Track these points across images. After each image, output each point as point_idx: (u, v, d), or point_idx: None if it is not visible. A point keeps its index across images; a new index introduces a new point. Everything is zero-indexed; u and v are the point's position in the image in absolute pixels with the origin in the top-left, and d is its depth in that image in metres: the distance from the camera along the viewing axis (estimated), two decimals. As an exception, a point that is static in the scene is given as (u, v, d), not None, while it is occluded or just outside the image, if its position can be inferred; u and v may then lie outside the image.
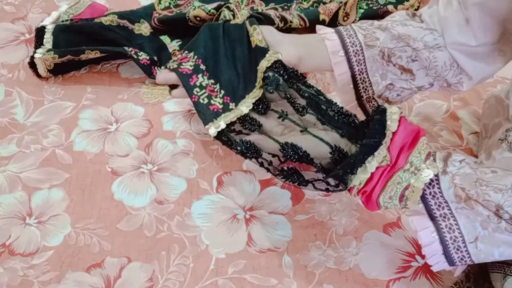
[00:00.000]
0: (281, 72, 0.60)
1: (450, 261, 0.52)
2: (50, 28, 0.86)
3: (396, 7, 0.97)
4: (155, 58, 0.85)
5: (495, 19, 0.59)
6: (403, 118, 0.54)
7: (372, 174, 0.52)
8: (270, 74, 0.60)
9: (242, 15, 0.78)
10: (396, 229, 0.67)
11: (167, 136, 0.77)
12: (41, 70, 0.83)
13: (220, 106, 0.64)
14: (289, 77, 0.60)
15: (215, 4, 0.90)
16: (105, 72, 0.86)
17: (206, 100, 0.65)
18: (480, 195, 0.50)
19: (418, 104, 0.83)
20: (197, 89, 0.66)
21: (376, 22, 0.66)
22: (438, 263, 0.54)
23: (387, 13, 0.97)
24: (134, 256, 0.64)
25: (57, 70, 0.84)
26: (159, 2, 0.96)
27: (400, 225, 0.68)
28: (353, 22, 0.95)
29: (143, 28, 0.89)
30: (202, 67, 0.67)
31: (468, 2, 0.60)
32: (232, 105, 0.63)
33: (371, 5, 0.97)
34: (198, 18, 0.86)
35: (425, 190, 0.52)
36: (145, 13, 0.90)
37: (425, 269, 0.63)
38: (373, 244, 0.66)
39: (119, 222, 0.67)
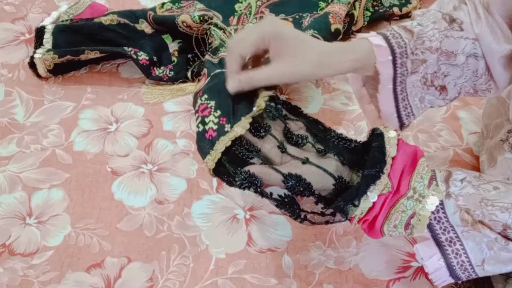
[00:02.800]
0: (280, 103, 0.56)
1: (456, 278, 0.52)
2: (49, 28, 0.86)
3: (400, 10, 0.98)
4: (155, 58, 0.85)
5: None
6: (401, 141, 0.52)
7: (374, 202, 0.49)
8: (272, 104, 0.55)
9: None
10: (396, 229, 0.67)
11: (167, 136, 0.77)
12: (41, 70, 0.83)
13: (215, 128, 0.56)
14: (287, 109, 0.56)
15: (200, 12, 0.89)
16: (105, 72, 0.86)
17: (201, 127, 0.57)
18: (486, 215, 0.49)
19: (418, 104, 0.83)
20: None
21: (426, 40, 0.58)
22: (444, 281, 0.53)
23: (393, 15, 0.98)
24: (134, 256, 0.64)
25: (57, 70, 0.84)
26: (162, 6, 0.96)
27: (400, 225, 0.68)
28: (362, 26, 0.95)
29: (144, 27, 0.89)
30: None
31: (491, 10, 0.58)
32: (227, 127, 0.56)
33: (377, 8, 0.98)
34: (185, 24, 0.86)
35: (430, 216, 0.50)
36: (144, 14, 0.90)
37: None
38: (373, 244, 0.66)
39: (119, 222, 0.67)
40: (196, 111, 0.59)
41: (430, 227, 0.50)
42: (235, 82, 0.54)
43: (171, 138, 0.77)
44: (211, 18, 0.84)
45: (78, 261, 0.63)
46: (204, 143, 0.56)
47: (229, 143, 0.54)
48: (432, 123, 0.81)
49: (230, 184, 0.54)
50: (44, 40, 0.85)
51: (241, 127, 0.54)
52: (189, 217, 0.68)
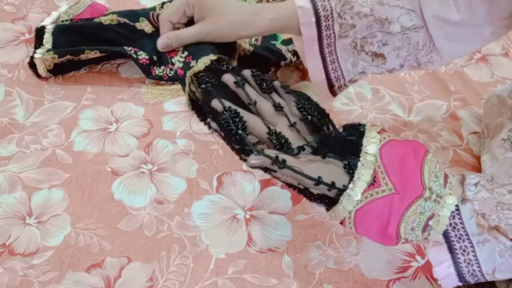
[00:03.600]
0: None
1: (465, 282, 0.51)
2: (49, 28, 0.86)
3: None
4: (155, 58, 0.85)
5: None
6: (391, 141, 0.51)
7: (375, 204, 0.48)
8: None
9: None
10: (396, 229, 0.67)
11: (167, 136, 0.77)
12: (41, 70, 0.83)
13: (181, 65, 0.62)
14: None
15: None
16: (105, 72, 0.86)
17: (173, 68, 0.64)
18: (503, 220, 0.48)
19: (418, 104, 0.83)
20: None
21: (357, 5, 0.60)
22: (451, 285, 0.52)
23: None
24: (134, 256, 0.64)
25: (57, 70, 0.84)
26: (162, 6, 0.96)
27: (400, 225, 0.68)
28: None
29: (144, 26, 0.89)
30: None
31: None
32: (193, 63, 0.60)
33: None
34: None
35: None
36: (145, 13, 0.90)
37: (425, 269, 0.63)
38: (373, 244, 0.66)
39: (119, 222, 0.67)
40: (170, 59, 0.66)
41: (445, 233, 0.50)
42: (163, 38, 0.61)
43: (171, 138, 0.77)
44: None
45: (78, 261, 0.63)
46: (180, 81, 0.62)
47: (190, 79, 0.59)
48: (432, 123, 0.81)
49: (203, 118, 0.58)
50: (44, 40, 0.85)
51: (203, 62, 0.59)
52: (189, 217, 0.68)
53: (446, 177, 0.50)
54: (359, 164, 0.49)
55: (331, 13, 0.59)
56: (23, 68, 0.86)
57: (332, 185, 0.49)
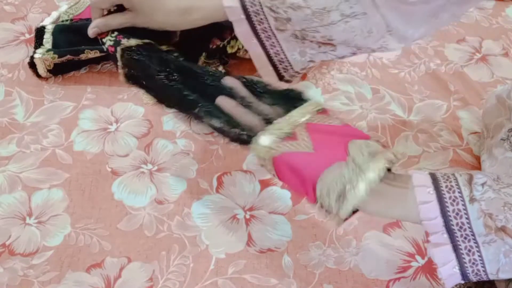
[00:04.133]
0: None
1: (467, 280, 0.51)
2: (49, 28, 0.86)
3: None
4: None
5: None
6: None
7: (290, 156, 0.51)
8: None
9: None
10: (396, 229, 0.67)
11: (167, 136, 0.77)
12: (41, 70, 0.83)
13: (112, 43, 0.66)
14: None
15: None
16: (105, 72, 0.86)
17: (104, 48, 0.68)
18: (510, 220, 0.48)
19: (418, 104, 0.83)
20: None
21: None
22: (454, 284, 0.52)
23: None
24: (134, 256, 0.64)
25: (57, 70, 0.84)
26: None
27: (400, 225, 0.68)
28: None
29: (144, 27, 0.89)
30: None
31: None
32: (124, 41, 0.64)
33: None
34: None
35: (451, 220, 0.49)
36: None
37: (425, 269, 0.63)
38: (373, 244, 0.66)
39: (119, 222, 0.67)
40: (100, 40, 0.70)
41: (450, 233, 0.49)
42: (93, 28, 0.66)
43: (171, 138, 0.77)
44: None
45: (78, 261, 0.63)
46: (112, 58, 0.66)
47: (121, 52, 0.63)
48: (432, 123, 0.81)
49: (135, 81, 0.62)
50: (44, 40, 0.85)
51: (135, 41, 0.63)
52: (189, 217, 0.68)
53: (371, 153, 0.50)
54: (281, 119, 0.53)
55: (261, 8, 0.61)
56: (23, 68, 0.86)
57: (244, 130, 0.54)
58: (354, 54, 0.65)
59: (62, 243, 0.65)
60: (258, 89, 0.57)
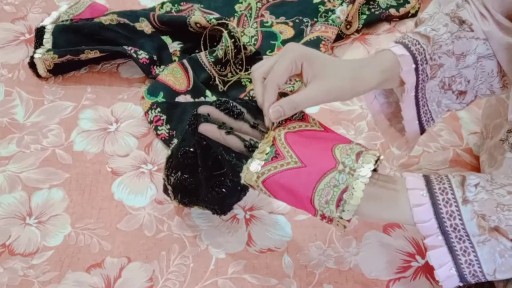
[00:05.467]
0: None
1: (465, 282, 0.51)
2: (49, 28, 0.86)
3: (398, 10, 0.97)
4: (155, 57, 0.85)
5: None
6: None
7: (281, 176, 0.50)
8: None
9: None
10: (396, 229, 0.67)
11: (167, 136, 0.77)
12: (41, 70, 0.83)
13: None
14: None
15: (217, 15, 0.91)
16: (105, 72, 0.86)
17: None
18: (503, 221, 0.48)
19: (418, 104, 0.83)
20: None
21: (443, 44, 0.58)
22: (452, 285, 0.52)
23: (390, 17, 0.97)
24: (134, 256, 0.64)
25: (57, 70, 0.84)
26: (161, 7, 0.96)
27: (400, 225, 0.68)
28: (357, 29, 0.95)
29: (144, 26, 0.89)
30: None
31: (489, 7, 0.58)
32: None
33: (373, 10, 0.97)
34: (198, 25, 0.86)
35: (445, 222, 0.49)
36: (145, 13, 0.90)
37: (425, 269, 0.63)
38: (373, 244, 0.66)
39: (119, 222, 0.67)
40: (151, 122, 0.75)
41: (445, 235, 0.50)
42: (275, 107, 0.53)
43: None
44: (227, 25, 0.84)
45: (78, 261, 0.63)
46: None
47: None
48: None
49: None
50: (44, 40, 0.85)
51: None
52: (189, 217, 0.68)
53: (358, 154, 0.51)
54: (263, 142, 0.52)
55: (425, 56, 0.57)
56: (23, 68, 0.86)
57: (234, 158, 0.53)
58: (475, 97, 0.63)
59: (62, 243, 0.65)
60: (236, 111, 0.56)
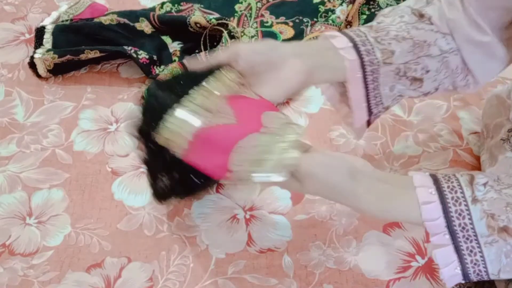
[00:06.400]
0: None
1: (468, 280, 0.51)
2: (49, 28, 0.86)
3: None
4: (155, 57, 0.85)
5: (498, 11, 0.57)
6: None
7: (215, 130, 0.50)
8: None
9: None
10: (396, 229, 0.67)
11: (167, 136, 0.77)
12: (41, 70, 0.83)
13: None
14: None
15: (217, 15, 0.91)
16: (105, 72, 0.86)
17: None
18: None
19: (418, 104, 0.83)
20: None
21: (392, 30, 0.60)
22: (455, 283, 0.51)
23: None
24: (134, 256, 0.64)
25: (57, 70, 0.84)
26: (161, 7, 0.96)
27: (400, 225, 0.68)
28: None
29: (144, 26, 0.89)
30: None
31: (464, 3, 0.58)
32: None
33: (373, 10, 0.97)
34: (198, 25, 0.86)
35: (454, 221, 0.49)
36: (145, 13, 0.90)
37: (425, 269, 0.63)
38: (373, 244, 0.66)
39: (119, 222, 0.67)
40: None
41: (452, 234, 0.49)
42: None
43: (171, 138, 0.77)
44: (227, 26, 0.84)
45: (78, 261, 0.63)
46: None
47: None
48: (432, 123, 0.81)
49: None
50: (44, 40, 0.85)
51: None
52: (189, 217, 0.68)
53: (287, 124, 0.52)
54: (195, 90, 0.52)
55: (367, 38, 0.59)
56: (23, 68, 0.86)
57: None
58: (436, 89, 0.64)
59: (62, 243, 0.65)
60: (179, 86, 0.55)
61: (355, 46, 0.58)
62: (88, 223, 0.67)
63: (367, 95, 0.61)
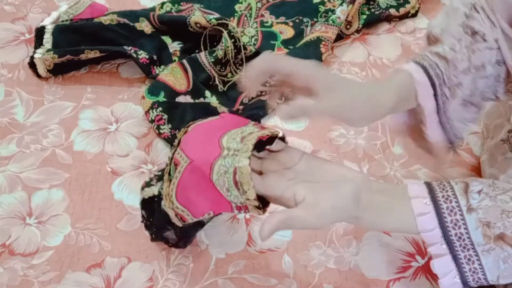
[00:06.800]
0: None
1: (467, 286, 0.51)
2: (49, 28, 0.86)
3: (398, 10, 0.97)
4: (155, 57, 0.85)
5: None
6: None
7: (183, 180, 0.51)
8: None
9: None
10: (396, 229, 0.67)
11: (167, 136, 0.77)
12: (41, 70, 0.83)
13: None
14: None
15: (217, 15, 0.91)
16: (105, 72, 0.86)
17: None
18: (508, 227, 0.48)
19: (418, 104, 0.83)
20: None
21: (458, 62, 0.57)
22: None
23: (390, 17, 0.97)
24: (134, 256, 0.64)
25: (57, 70, 0.84)
26: (161, 7, 0.96)
27: (400, 225, 0.68)
28: (357, 29, 0.95)
29: (144, 26, 0.89)
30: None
31: (496, 15, 0.57)
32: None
33: (373, 10, 0.97)
34: (198, 25, 0.86)
35: (450, 231, 0.49)
36: (145, 13, 0.90)
37: (425, 269, 0.63)
38: (373, 244, 0.66)
39: (119, 222, 0.67)
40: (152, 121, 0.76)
41: (449, 243, 0.49)
42: (286, 111, 0.50)
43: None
44: (227, 26, 0.84)
45: (78, 261, 0.63)
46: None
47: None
48: (432, 123, 0.81)
49: None
50: (44, 40, 0.85)
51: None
52: (189, 217, 0.68)
53: (243, 138, 0.50)
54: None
55: (443, 80, 0.57)
56: (23, 68, 0.86)
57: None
58: (482, 99, 0.62)
59: (62, 243, 0.65)
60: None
61: (435, 95, 0.57)
62: (88, 223, 0.67)
63: (448, 135, 0.61)
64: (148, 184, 0.61)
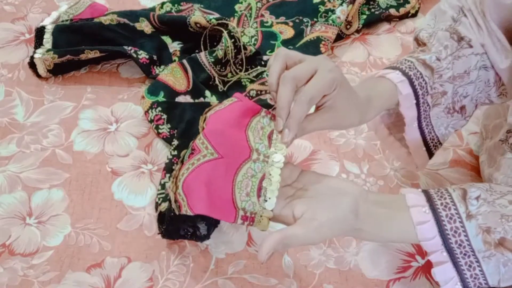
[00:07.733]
0: None
1: None
2: (49, 28, 0.86)
3: (398, 10, 0.98)
4: (155, 57, 0.85)
5: None
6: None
7: (199, 171, 0.48)
8: None
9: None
10: (396, 229, 0.67)
11: (167, 136, 0.77)
12: (41, 70, 0.83)
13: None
14: None
15: (217, 15, 0.91)
16: (105, 72, 0.86)
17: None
18: (509, 232, 0.48)
19: (418, 104, 0.83)
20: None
21: (444, 72, 0.58)
22: None
23: (390, 17, 0.97)
24: (134, 256, 0.64)
25: (57, 70, 0.84)
26: (161, 7, 0.96)
27: (400, 225, 0.68)
28: (357, 29, 0.95)
29: (144, 26, 0.89)
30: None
31: (487, 17, 0.58)
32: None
33: (373, 10, 0.97)
34: (198, 25, 0.87)
35: (450, 239, 0.49)
36: (145, 13, 0.90)
37: (425, 269, 0.64)
38: (373, 244, 0.66)
39: (119, 222, 0.67)
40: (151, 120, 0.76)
41: (450, 251, 0.49)
42: (287, 132, 0.49)
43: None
44: (227, 26, 0.84)
45: (78, 261, 0.63)
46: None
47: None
48: (432, 123, 0.81)
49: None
50: (44, 40, 0.85)
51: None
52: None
53: (269, 138, 0.51)
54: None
55: (426, 89, 0.58)
56: (23, 68, 0.86)
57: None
58: (475, 107, 0.64)
59: (62, 243, 0.65)
60: None
61: (417, 104, 0.58)
62: (88, 223, 0.67)
63: (425, 140, 0.62)
64: (164, 199, 0.61)
